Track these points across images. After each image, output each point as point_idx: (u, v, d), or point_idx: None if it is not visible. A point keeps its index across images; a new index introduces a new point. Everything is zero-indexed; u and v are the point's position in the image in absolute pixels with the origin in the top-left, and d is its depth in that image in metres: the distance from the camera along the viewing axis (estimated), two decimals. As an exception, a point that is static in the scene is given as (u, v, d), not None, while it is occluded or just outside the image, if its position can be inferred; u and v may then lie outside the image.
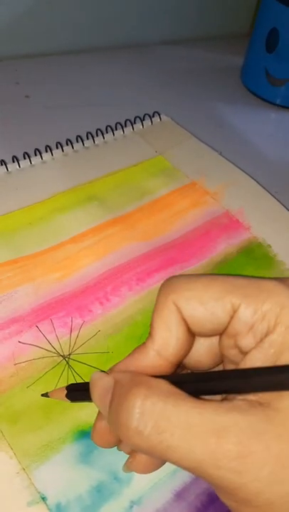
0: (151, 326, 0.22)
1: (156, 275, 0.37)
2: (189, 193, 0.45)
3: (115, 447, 0.24)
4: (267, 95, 0.61)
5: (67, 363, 0.31)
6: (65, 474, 0.27)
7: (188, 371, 0.24)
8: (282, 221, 0.43)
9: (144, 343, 0.22)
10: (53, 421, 0.29)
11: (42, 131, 0.50)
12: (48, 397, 0.27)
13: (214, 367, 0.23)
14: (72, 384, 0.26)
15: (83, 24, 0.65)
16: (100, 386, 0.21)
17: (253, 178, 0.47)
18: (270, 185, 0.47)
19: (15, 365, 0.31)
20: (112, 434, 0.23)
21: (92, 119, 0.51)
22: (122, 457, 0.28)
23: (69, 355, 0.32)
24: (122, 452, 0.28)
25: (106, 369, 0.31)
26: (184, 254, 0.39)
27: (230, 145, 0.53)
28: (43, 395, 0.28)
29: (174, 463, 0.18)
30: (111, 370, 0.23)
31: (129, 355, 0.22)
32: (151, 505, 0.27)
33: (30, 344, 0.32)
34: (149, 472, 0.23)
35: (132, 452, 0.23)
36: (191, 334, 0.21)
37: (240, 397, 0.19)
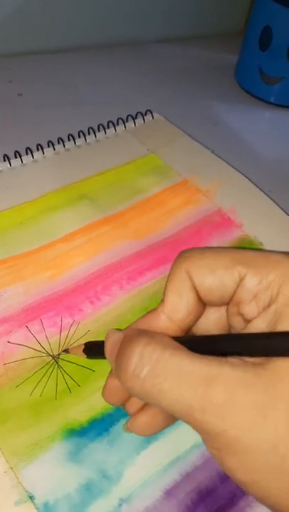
0: (164, 292, 0.23)
1: (148, 274, 0.37)
2: (181, 191, 0.45)
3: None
4: (261, 93, 0.61)
5: (57, 362, 0.31)
6: (53, 473, 0.27)
7: None
8: (274, 219, 0.43)
9: (155, 308, 0.23)
10: (42, 420, 0.29)
11: (34, 129, 0.50)
12: (68, 353, 0.30)
13: None
14: (89, 342, 0.28)
15: (77, 22, 0.65)
16: (111, 340, 0.23)
17: (246, 176, 0.47)
18: (264, 183, 0.47)
19: (4, 365, 0.31)
20: (120, 391, 0.25)
21: (85, 118, 0.51)
22: (111, 455, 0.28)
23: (58, 355, 0.32)
24: (112, 451, 0.28)
25: (95, 368, 0.31)
26: (176, 253, 0.38)
27: (225, 143, 0.53)
28: (64, 351, 0.31)
29: (164, 407, 0.20)
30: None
31: (140, 317, 0.24)
32: (140, 503, 0.27)
33: (19, 344, 0.32)
34: (148, 434, 0.25)
35: (135, 414, 0.25)
36: (201, 303, 0.23)
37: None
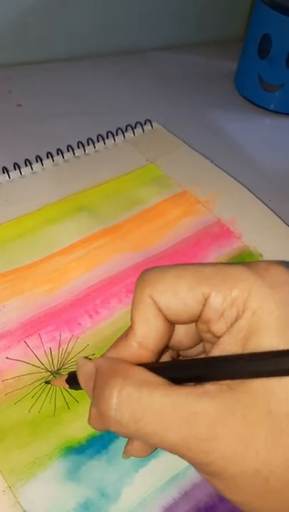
0: (131, 319, 0.23)
1: (147, 287, 0.37)
2: (181, 202, 0.44)
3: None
4: (260, 101, 0.61)
5: (55, 378, 0.31)
6: (51, 491, 0.27)
7: (171, 351, 0.26)
8: (274, 229, 0.43)
9: (125, 335, 0.23)
10: (40, 437, 0.29)
11: (33, 140, 0.50)
12: (50, 384, 0.30)
13: (195, 345, 0.25)
14: (72, 372, 0.27)
15: (76, 31, 0.65)
16: (84, 372, 0.23)
17: (246, 185, 0.47)
18: (264, 192, 0.47)
19: (2, 381, 0.31)
20: None
21: (84, 128, 0.51)
22: (109, 473, 0.28)
23: (57, 370, 0.32)
24: (110, 469, 0.28)
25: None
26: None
27: (224, 151, 0.53)
28: (46, 383, 0.31)
29: (152, 445, 0.22)
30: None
31: (112, 346, 0.24)
32: (139, 521, 0.27)
33: (18, 360, 0.32)
34: (146, 455, 0.25)
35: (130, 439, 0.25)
36: (170, 323, 0.23)
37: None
